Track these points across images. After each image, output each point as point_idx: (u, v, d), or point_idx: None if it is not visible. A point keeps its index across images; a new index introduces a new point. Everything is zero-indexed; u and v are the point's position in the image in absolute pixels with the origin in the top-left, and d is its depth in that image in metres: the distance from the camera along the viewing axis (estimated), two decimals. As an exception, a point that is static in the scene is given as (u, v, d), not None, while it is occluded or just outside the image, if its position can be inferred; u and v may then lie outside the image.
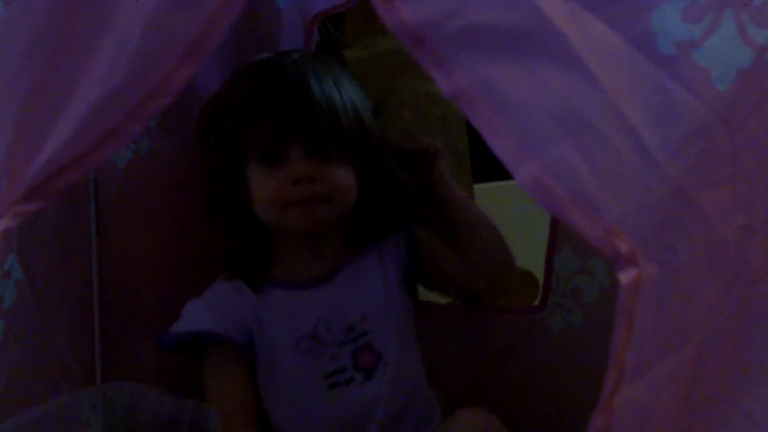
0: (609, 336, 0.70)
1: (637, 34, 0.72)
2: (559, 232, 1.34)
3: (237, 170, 1.14)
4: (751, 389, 0.77)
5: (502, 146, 0.69)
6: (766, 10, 0.74)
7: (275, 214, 1.13)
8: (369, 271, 1.19)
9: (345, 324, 1.16)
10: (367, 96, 1.18)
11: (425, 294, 1.34)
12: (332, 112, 1.11)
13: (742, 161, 0.74)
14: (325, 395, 1.14)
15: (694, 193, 0.72)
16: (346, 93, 1.13)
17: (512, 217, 1.98)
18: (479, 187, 1.59)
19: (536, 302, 1.39)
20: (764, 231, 0.77)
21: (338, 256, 1.19)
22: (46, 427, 1.10)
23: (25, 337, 1.20)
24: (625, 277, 0.69)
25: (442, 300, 1.41)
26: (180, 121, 1.28)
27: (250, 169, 1.13)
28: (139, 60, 0.75)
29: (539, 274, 1.40)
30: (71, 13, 0.77)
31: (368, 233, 1.21)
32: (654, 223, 0.71)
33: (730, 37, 0.72)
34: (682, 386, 0.74)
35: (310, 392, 1.14)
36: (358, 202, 1.16)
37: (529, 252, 1.62)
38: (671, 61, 0.72)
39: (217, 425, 1.11)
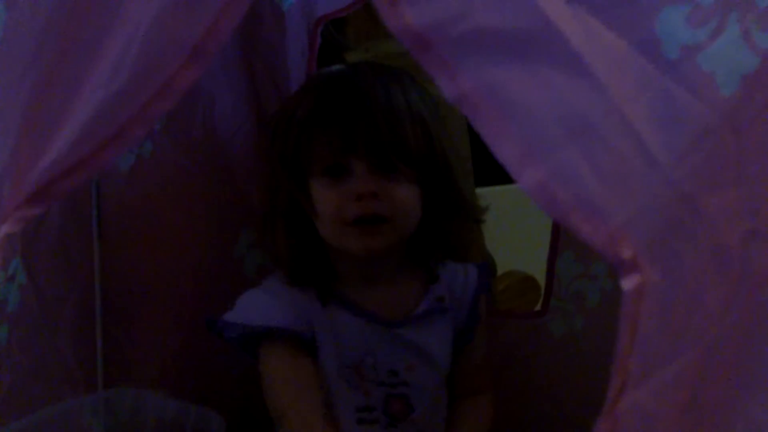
0: (611, 341, 0.70)
1: (641, 39, 0.72)
2: (561, 237, 1.34)
3: (301, 183, 1.12)
4: (756, 395, 0.77)
5: (506, 151, 0.69)
6: (771, 15, 0.74)
7: (336, 232, 1.10)
8: (433, 333, 1.17)
9: (390, 367, 1.15)
10: (437, 108, 1.15)
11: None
12: (398, 127, 1.08)
13: (747, 166, 0.74)
14: (354, 426, 1.14)
15: (699, 197, 0.72)
16: (415, 107, 1.10)
17: (514, 222, 1.99)
18: (481, 191, 1.59)
19: (538, 307, 1.39)
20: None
21: (397, 287, 1.17)
22: (48, 431, 1.10)
23: (29, 341, 1.20)
24: (628, 283, 0.69)
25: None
26: (184, 124, 1.28)
27: (314, 183, 1.11)
28: (143, 62, 0.74)
29: (541, 279, 1.40)
30: (75, 16, 0.77)
31: (428, 256, 1.20)
32: (658, 228, 0.71)
33: (735, 41, 0.72)
34: (686, 392, 0.74)
35: (343, 418, 1.14)
36: (420, 223, 1.14)
37: (530, 256, 1.62)
38: (676, 65, 0.72)
39: (220, 430, 1.11)
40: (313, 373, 1.13)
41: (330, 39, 1.48)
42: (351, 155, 1.08)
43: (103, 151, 0.77)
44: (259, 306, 1.14)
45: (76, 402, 1.15)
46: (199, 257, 1.32)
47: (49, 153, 0.77)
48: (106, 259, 1.24)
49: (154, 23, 0.74)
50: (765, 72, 0.73)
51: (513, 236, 1.98)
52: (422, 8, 0.68)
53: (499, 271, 1.71)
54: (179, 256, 1.30)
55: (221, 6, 0.73)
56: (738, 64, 0.73)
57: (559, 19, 0.70)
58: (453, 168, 1.16)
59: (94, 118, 0.76)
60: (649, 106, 0.71)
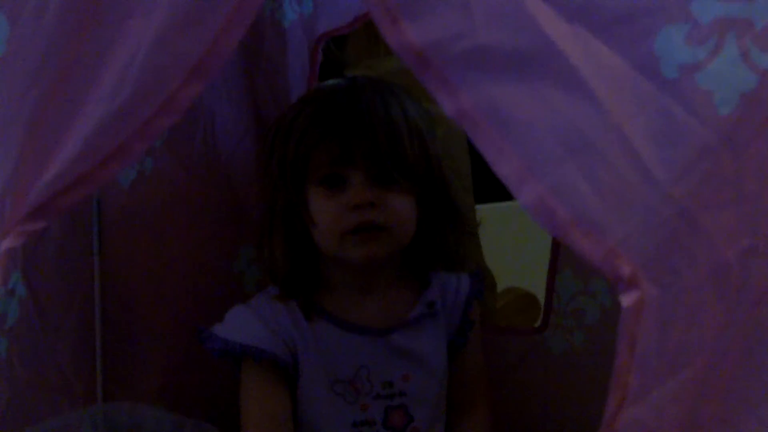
0: (611, 357, 0.70)
1: (640, 57, 0.72)
2: (560, 254, 1.34)
3: (298, 192, 1.12)
4: (754, 411, 0.77)
5: (505, 167, 0.70)
6: (770, 34, 0.74)
7: (335, 242, 1.10)
8: (425, 338, 1.17)
9: (385, 379, 1.15)
10: (432, 121, 1.16)
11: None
12: (396, 139, 1.09)
13: (746, 184, 0.74)
14: None
15: (697, 215, 0.72)
16: (412, 119, 1.11)
17: (514, 238, 1.99)
18: (481, 208, 1.59)
19: (537, 323, 1.39)
20: (768, 253, 0.77)
21: (390, 296, 1.17)
22: (47, 444, 1.10)
23: (28, 354, 1.20)
24: (627, 300, 0.69)
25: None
26: (185, 140, 1.28)
27: (311, 192, 1.11)
28: (145, 78, 0.75)
29: (540, 295, 1.40)
30: (78, 33, 0.78)
31: (423, 267, 1.20)
32: (657, 245, 0.71)
33: (734, 60, 0.72)
34: (685, 408, 0.74)
35: None
36: (415, 234, 1.14)
37: (530, 273, 1.62)
38: (674, 84, 0.72)
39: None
40: (287, 406, 1.13)
41: (331, 56, 1.48)
42: (348, 166, 1.09)
43: (104, 167, 0.77)
44: (241, 323, 1.14)
45: (75, 415, 1.15)
46: (199, 272, 1.32)
47: (51, 168, 0.78)
48: (106, 274, 1.25)
49: (156, 40, 0.75)
50: (763, 91, 0.73)
51: (513, 253, 1.98)
52: (423, 26, 0.69)
53: (499, 288, 1.71)
54: (179, 271, 1.30)
55: (222, 24, 0.73)
56: (737, 83, 0.73)
57: (559, 37, 0.70)
58: (448, 179, 1.17)
59: (96, 134, 0.76)
60: (647, 124, 0.71)
